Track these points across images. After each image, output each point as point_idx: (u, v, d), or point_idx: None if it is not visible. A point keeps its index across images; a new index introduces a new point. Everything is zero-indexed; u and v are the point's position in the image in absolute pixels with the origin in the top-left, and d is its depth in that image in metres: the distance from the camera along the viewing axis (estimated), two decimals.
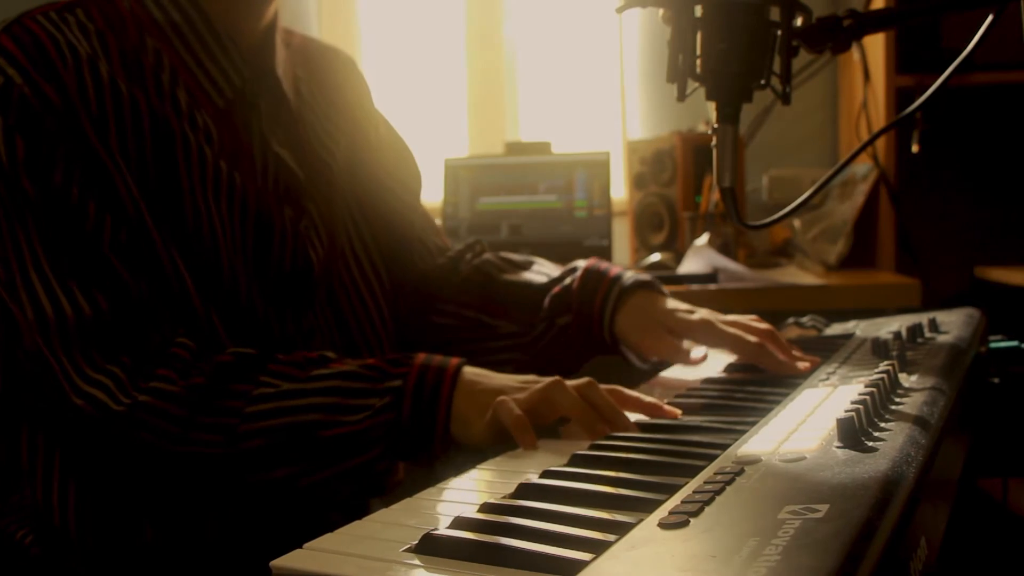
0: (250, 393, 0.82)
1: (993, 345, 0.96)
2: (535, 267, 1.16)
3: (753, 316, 1.01)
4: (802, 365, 0.90)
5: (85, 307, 0.81)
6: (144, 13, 0.91)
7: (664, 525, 0.44)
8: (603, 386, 0.79)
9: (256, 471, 0.81)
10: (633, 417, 0.77)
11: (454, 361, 0.84)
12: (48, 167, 0.81)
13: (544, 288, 1.10)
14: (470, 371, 0.84)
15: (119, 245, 0.83)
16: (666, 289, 1.08)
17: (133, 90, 0.86)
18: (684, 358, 1.01)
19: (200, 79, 0.92)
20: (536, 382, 0.82)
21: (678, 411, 0.78)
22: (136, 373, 0.81)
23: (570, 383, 0.79)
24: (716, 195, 1.87)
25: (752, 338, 0.96)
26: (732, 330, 0.98)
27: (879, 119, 2.02)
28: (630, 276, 1.06)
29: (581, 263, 1.10)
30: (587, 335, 1.06)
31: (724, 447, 0.60)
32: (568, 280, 1.08)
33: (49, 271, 0.81)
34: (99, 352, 0.81)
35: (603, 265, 1.09)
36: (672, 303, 1.04)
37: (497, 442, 0.77)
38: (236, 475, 0.82)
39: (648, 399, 0.80)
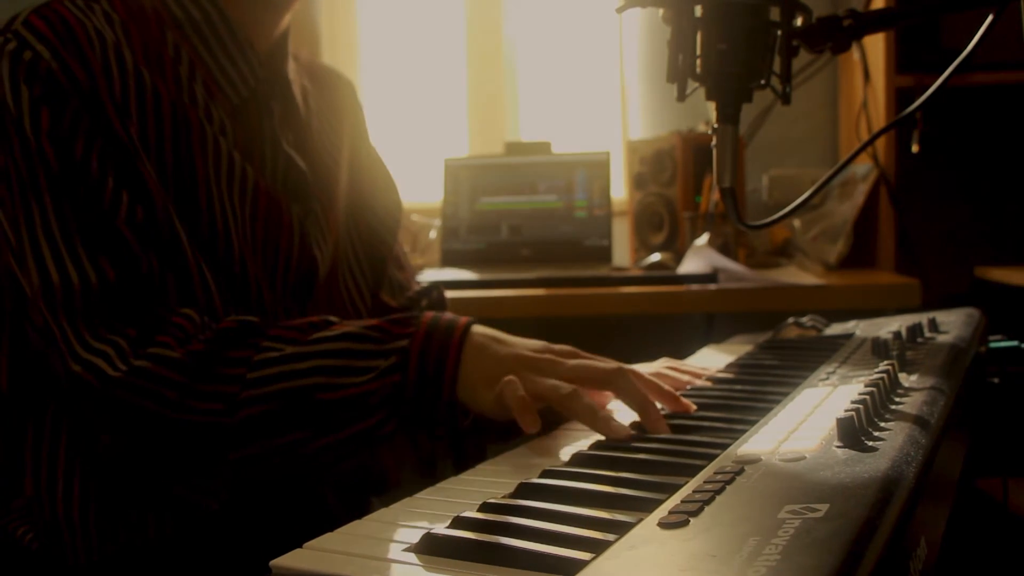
0: (251, 359, 0.81)
1: (993, 345, 0.96)
2: None
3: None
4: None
5: (92, 277, 0.81)
6: (164, 8, 0.93)
7: (664, 525, 0.44)
8: (628, 367, 0.79)
9: (258, 437, 0.81)
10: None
11: (462, 321, 0.83)
12: (70, 139, 0.82)
13: None
14: (479, 333, 0.83)
15: (134, 221, 0.84)
16: None
17: (155, 79, 0.88)
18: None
19: (217, 76, 0.93)
20: (553, 354, 0.81)
21: (693, 405, 0.78)
22: (138, 342, 0.81)
23: (597, 365, 0.79)
24: (716, 195, 1.87)
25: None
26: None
27: (879, 119, 2.02)
28: None
29: None
30: None
31: (724, 447, 0.60)
32: None
33: (60, 239, 0.81)
34: (102, 322, 0.81)
35: None
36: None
37: (504, 416, 0.77)
38: (238, 442, 0.81)
39: (667, 388, 0.80)
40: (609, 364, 0.80)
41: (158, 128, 0.87)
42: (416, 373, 0.80)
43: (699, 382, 0.91)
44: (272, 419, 0.80)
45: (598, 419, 0.74)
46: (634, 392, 0.76)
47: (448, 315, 0.85)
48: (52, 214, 0.82)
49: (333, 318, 0.87)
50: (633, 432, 0.73)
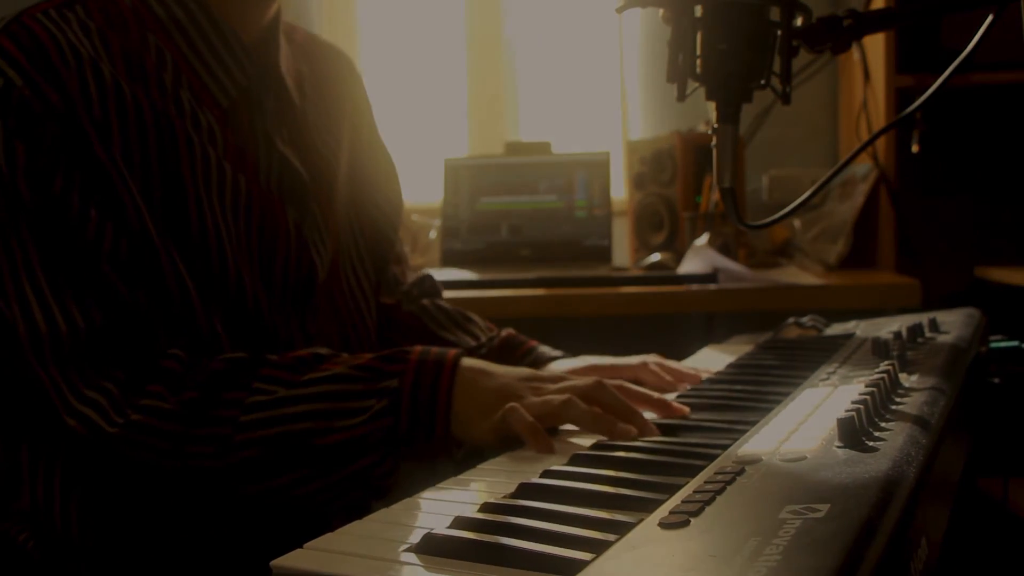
0: (243, 401, 0.80)
1: (993, 345, 0.96)
2: (469, 326, 1.18)
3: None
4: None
5: (79, 320, 0.79)
6: (145, 10, 0.89)
7: (665, 525, 0.44)
8: (610, 382, 0.79)
9: (252, 481, 0.80)
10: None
11: (451, 355, 0.83)
12: (48, 174, 0.79)
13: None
14: (469, 366, 0.83)
15: (119, 256, 0.82)
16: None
17: (136, 91, 0.85)
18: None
19: (204, 77, 0.91)
20: (540, 381, 0.81)
21: (686, 408, 0.78)
22: (129, 389, 0.80)
23: (578, 383, 0.79)
24: (716, 195, 1.87)
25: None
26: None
27: (879, 119, 2.02)
28: (544, 351, 1.11)
29: (501, 333, 1.15)
30: None
31: (724, 447, 0.60)
32: (485, 350, 1.12)
33: (44, 283, 0.79)
34: (92, 367, 0.80)
35: (520, 339, 1.14)
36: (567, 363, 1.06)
37: (501, 443, 0.77)
38: (232, 486, 0.80)
39: (657, 395, 0.80)
40: (589, 379, 0.79)
41: (142, 144, 0.84)
42: (408, 414, 0.80)
43: (686, 385, 0.91)
44: (265, 463, 0.79)
45: (600, 421, 0.74)
46: (617, 404, 0.76)
47: (436, 349, 0.84)
48: (35, 256, 0.79)
49: (323, 350, 0.86)
50: (635, 430, 0.73)
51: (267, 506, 0.83)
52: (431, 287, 1.22)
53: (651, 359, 1.00)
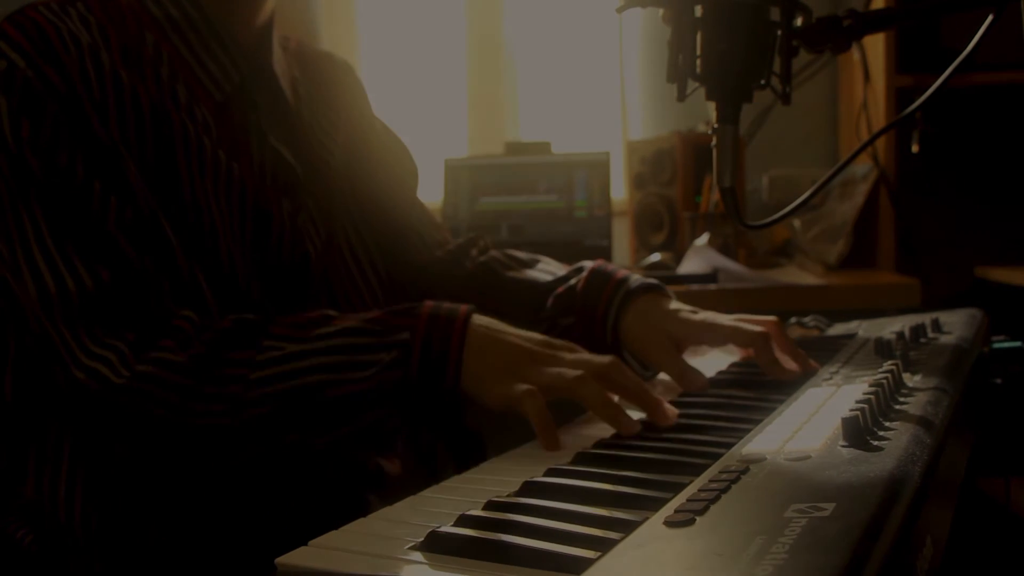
0: (253, 359, 0.81)
1: (996, 345, 0.96)
2: (540, 265, 1.16)
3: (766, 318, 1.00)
4: (790, 366, 0.87)
5: (88, 281, 0.81)
6: (142, 9, 0.92)
7: (670, 523, 0.44)
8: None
9: (265, 436, 0.80)
10: (635, 414, 0.76)
11: (463, 310, 0.83)
12: (53, 147, 0.82)
13: (548, 287, 1.09)
14: (480, 324, 0.82)
15: (124, 222, 0.84)
16: (671, 291, 1.06)
17: (133, 80, 0.88)
18: (683, 379, 0.92)
19: (199, 74, 0.93)
20: (553, 348, 0.81)
21: (675, 411, 0.78)
22: (139, 346, 0.81)
23: (594, 359, 0.79)
24: (716, 195, 1.87)
25: (755, 328, 0.94)
26: (733, 323, 0.97)
27: (879, 119, 2.02)
28: (636, 279, 1.05)
29: (588, 264, 1.09)
30: (589, 337, 1.05)
31: (729, 446, 0.60)
32: (573, 280, 1.07)
33: (53, 247, 0.81)
34: (102, 326, 0.81)
35: (610, 267, 1.08)
36: (676, 305, 1.02)
37: (508, 411, 0.77)
38: (244, 442, 0.81)
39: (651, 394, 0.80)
40: (605, 358, 0.79)
41: (139, 129, 0.87)
42: (419, 366, 0.80)
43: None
44: (277, 418, 0.80)
45: (608, 406, 0.74)
46: (633, 386, 0.76)
47: (447, 304, 0.84)
48: (43, 223, 0.82)
49: (332, 312, 0.87)
50: (639, 425, 0.73)
51: (281, 461, 0.83)
52: (485, 244, 1.22)
53: (771, 320, 0.97)
